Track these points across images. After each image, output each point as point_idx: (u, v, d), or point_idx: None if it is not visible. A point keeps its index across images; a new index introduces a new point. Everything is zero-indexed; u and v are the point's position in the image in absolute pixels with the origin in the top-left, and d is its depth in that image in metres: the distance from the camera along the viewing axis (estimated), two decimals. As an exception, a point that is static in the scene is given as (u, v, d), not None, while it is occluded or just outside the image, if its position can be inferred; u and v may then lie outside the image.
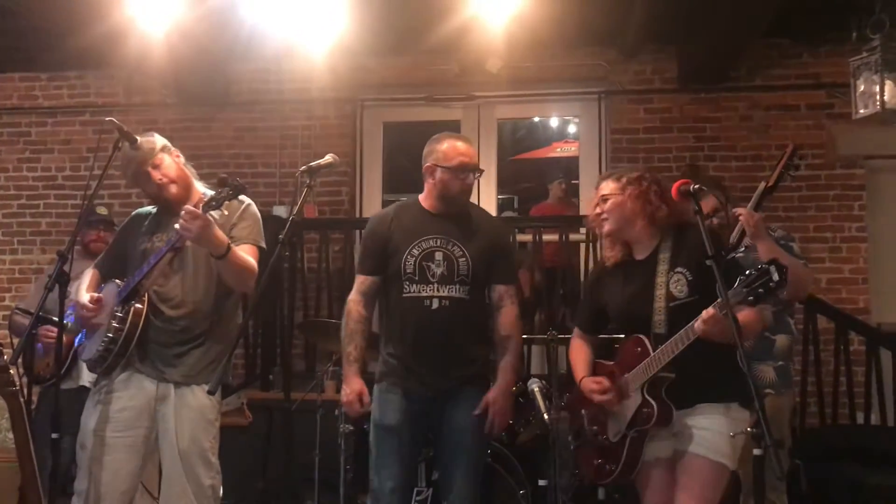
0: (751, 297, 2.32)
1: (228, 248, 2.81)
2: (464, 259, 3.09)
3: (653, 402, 2.62)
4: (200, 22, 5.08)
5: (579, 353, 3.01)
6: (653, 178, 2.82)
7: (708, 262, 2.47)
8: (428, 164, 3.17)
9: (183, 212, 2.74)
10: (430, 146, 3.20)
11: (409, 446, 3.11)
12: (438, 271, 3.07)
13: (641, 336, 2.68)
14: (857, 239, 5.82)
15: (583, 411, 2.94)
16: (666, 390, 2.63)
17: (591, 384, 2.82)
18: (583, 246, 5.69)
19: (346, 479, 4.00)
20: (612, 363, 2.83)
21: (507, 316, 3.16)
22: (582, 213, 6.25)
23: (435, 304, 3.06)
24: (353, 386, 3.11)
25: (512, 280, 3.25)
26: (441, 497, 3.17)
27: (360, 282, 3.21)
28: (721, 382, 2.60)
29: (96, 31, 5.09)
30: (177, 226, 2.75)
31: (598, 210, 2.83)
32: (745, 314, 2.49)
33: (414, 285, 3.07)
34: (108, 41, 5.27)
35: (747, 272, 2.34)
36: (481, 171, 3.18)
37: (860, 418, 4.97)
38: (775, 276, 2.26)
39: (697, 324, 2.45)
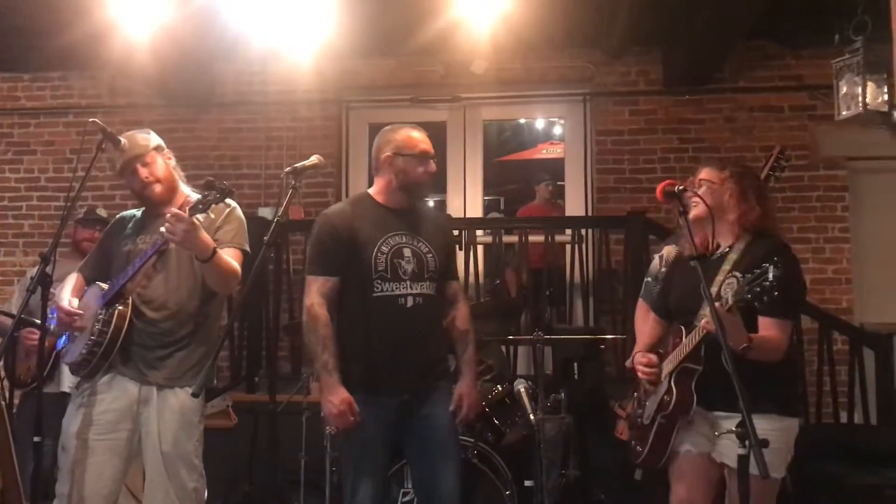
0: (748, 296, 2.35)
1: (214, 252, 2.80)
2: (431, 255, 3.05)
3: (674, 390, 2.67)
4: (185, 23, 5.05)
5: (643, 323, 3.08)
6: (755, 178, 2.83)
7: (692, 264, 2.49)
8: (386, 153, 3.06)
9: (168, 215, 2.72)
10: (385, 137, 3.12)
11: (386, 456, 3.06)
12: (409, 268, 2.99)
13: (682, 326, 2.75)
14: (841, 240, 5.87)
15: (634, 392, 3.02)
16: (708, 389, 2.65)
17: (640, 358, 2.88)
18: (568, 247, 5.71)
19: (332, 480, 3.98)
20: (665, 352, 2.88)
21: (463, 311, 3.17)
22: (568, 214, 6.28)
23: (409, 302, 2.98)
24: (340, 396, 2.87)
25: (456, 275, 3.29)
26: (425, 497, 3.08)
27: (321, 284, 2.98)
28: (757, 392, 2.49)
29: (80, 32, 5.05)
30: (162, 229, 2.73)
31: (690, 193, 2.79)
32: (770, 332, 2.57)
33: (386, 283, 2.96)
34: (92, 41, 5.23)
35: (748, 273, 2.38)
36: (435, 159, 3.12)
37: (843, 417, 5.01)
38: (770, 275, 2.29)
39: (704, 320, 2.52)
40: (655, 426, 2.78)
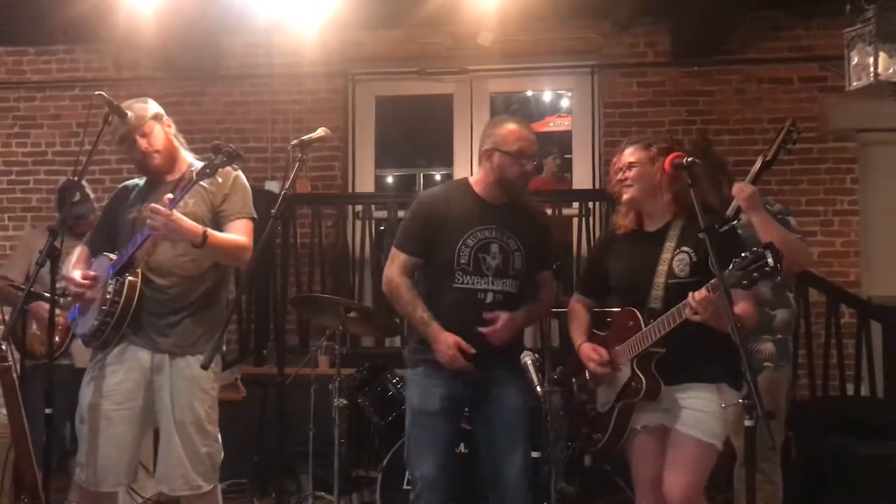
0: (744, 281, 2.31)
1: (204, 237, 2.80)
2: (519, 253, 3.02)
3: (641, 377, 2.63)
4: (190, -5, 5.02)
5: (577, 318, 3.01)
6: (692, 178, 2.72)
7: (700, 235, 2.48)
8: (486, 147, 3.03)
9: (149, 209, 2.74)
10: (489, 129, 3.09)
11: (449, 433, 3.07)
12: (493, 264, 2.98)
13: (634, 309, 2.69)
14: (849, 212, 5.84)
15: (573, 380, 2.96)
16: (657, 365, 2.64)
17: (590, 352, 2.82)
18: (575, 220, 5.70)
19: (341, 452, 4.02)
20: (604, 334, 2.85)
21: (548, 291, 3.19)
22: (575, 187, 6.26)
23: (489, 298, 2.98)
24: (447, 341, 2.91)
25: (552, 265, 3.25)
26: (491, 480, 3.09)
27: (404, 261, 3.05)
28: (713, 362, 2.60)
29: (85, 5, 5.04)
30: (169, 196, 2.74)
31: (621, 176, 2.77)
32: (741, 308, 2.51)
33: (467, 276, 2.98)
34: (97, 14, 5.21)
35: (743, 255, 2.32)
36: (538, 160, 3.07)
37: (850, 390, 5.01)
38: (770, 261, 2.24)
39: (687, 308, 2.45)
40: (616, 413, 2.74)
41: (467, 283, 2.98)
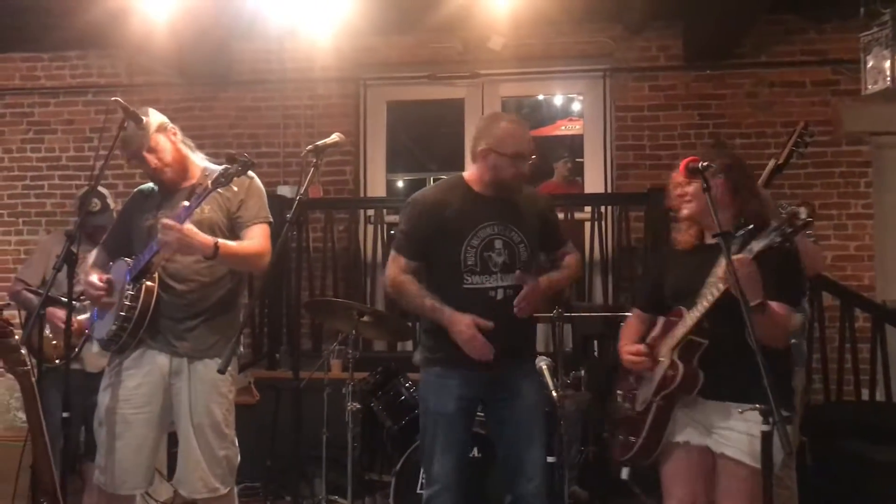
0: (778, 238, 2.29)
1: (217, 248, 2.81)
2: (523, 245, 3.01)
3: (679, 364, 2.55)
4: (203, 1, 5.05)
5: (628, 329, 2.93)
6: (744, 168, 2.70)
7: (716, 240, 2.47)
8: (481, 147, 2.99)
9: (160, 224, 2.76)
10: (485, 126, 3.06)
11: (464, 434, 3.07)
12: (500, 260, 2.97)
13: (681, 307, 2.62)
14: (863, 216, 5.81)
15: (618, 391, 2.89)
16: (712, 377, 2.54)
17: (626, 349, 2.78)
18: (587, 224, 5.69)
19: (354, 455, 4.03)
20: (655, 338, 2.77)
21: (571, 255, 3.23)
22: (587, 191, 6.26)
23: (500, 295, 2.96)
24: (465, 319, 2.89)
25: (565, 241, 3.23)
26: (510, 477, 3.07)
27: (405, 264, 3.04)
28: (759, 383, 2.38)
29: (98, 11, 5.06)
30: (185, 203, 2.76)
31: (679, 192, 2.71)
32: (774, 306, 2.46)
33: (476, 276, 2.96)
34: (111, 21, 5.24)
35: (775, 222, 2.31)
36: (534, 159, 3.02)
37: (865, 395, 4.98)
38: (802, 214, 2.24)
39: (723, 268, 2.39)
40: (653, 410, 2.65)
41: (476, 283, 2.97)
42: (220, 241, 2.85)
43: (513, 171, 2.97)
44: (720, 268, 2.48)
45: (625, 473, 3.08)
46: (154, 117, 3.02)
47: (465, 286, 2.96)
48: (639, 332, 2.88)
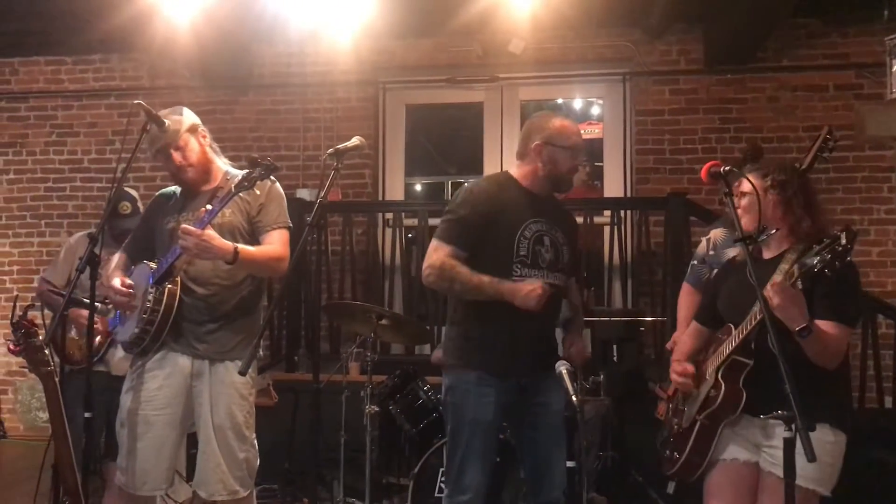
0: (819, 263, 2.24)
1: (237, 253, 2.82)
2: (566, 247, 3.04)
3: (721, 383, 2.52)
4: (225, 5, 5.09)
5: (681, 344, 2.94)
6: (801, 185, 2.64)
7: (736, 242, 2.45)
8: (535, 142, 2.99)
9: (179, 230, 2.78)
10: (538, 123, 3.06)
11: (496, 439, 3.08)
12: (548, 257, 2.98)
13: (731, 325, 2.60)
14: (886, 221, 5.75)
15: (669, 404, 2.90)
16: (753, 392, 2.51)
17: (675, 365, 2.79)
18: (607, 229, 5.67)
19: (372, 458, 4.03)
20: (706, 356, 2.75)
21: (577, 294, 3.34)
22: (606, 195, 6.24)
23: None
24: (527, 285, 2.83)
25: (577, 270, 3.35)
26: (536, 481, 3.08)
27: (450, 252, 2.92)
28: (815, 397, 2.36)
29: (121, 15, 5.12)
30: (208, 206, 2.78)
31: (735, 204, 2.64)
32: (837, 329, 2.43)
33: (525, 269, 2.94)
34: (133, 25, 5.30)
35: (819, 242, 2.28)
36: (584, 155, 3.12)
37: (888, 402, 4.93)
38: (843, 240, 2.20)
39: (768, 289, 2.36)
40: (696, 428, 2.62)
41: (525, 275, 2.92)
42: (240, 246, 2.86)
43: (570, 163, 3.01)
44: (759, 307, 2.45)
45: (670, 488, 3.05)
46: (188, 117, 3.04)
47: (515, 277, 2.91)
48: (692, 347, 2.86)
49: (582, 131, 2.92)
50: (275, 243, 2.99)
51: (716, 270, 3.16)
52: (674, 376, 2.77)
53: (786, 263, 2.54)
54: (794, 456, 2.22)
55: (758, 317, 2.43)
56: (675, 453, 2.73)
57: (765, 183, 2.63)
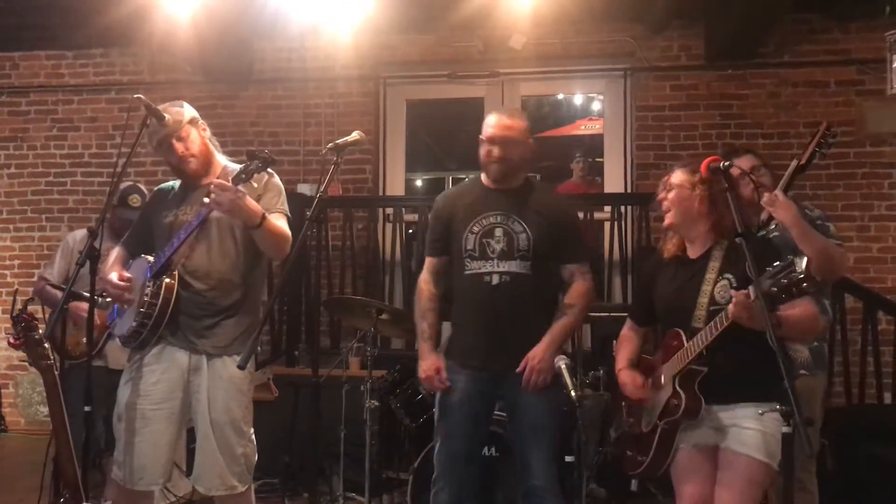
0: (774, 289, 2.26)
1: (263, 218, 2.83)
2: (524, 234, 3.06)
3: (682, 394, 2.59)
4: (225, 0, 5.08)
5: (624, 344, 2.99)
6: (727, 181, 2.63)
7: (737, 240, 2.45)
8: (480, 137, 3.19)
9: (212, 185, 2.76)
10: None
11: (472, 423, 3.13)
12: (498, 247, 3.05)
13: (678, 329, 2.66)
14: (886, 217, 5.76)
15: (622, 403, 2.94)
16: (707, 385, 2.59)
17: (625, 377, 2.84)
18: (607, 224, 5.67)
19: (372, 453, 4.03)
20: (652, 357, 2.83)
21: (576, 288, 3.11)
22: (607, 191, 6.24)
23: (495, 280, 3.04)
24: (429, 361, 3.11)
25: (581, 259, 3.16)
26: (520, 472, 3.13)
27: (429, 263, 3.25)
28: (765, 382, 2.47)
29: (122, 10, 5.12)
30: (206, 199, 2.76)
31: (661, 197, 2.76)
32: (802, 307, 2.45)
33: (475, 262, 3.07)
34: (134, 19, 5.30)
35: (774, 264, 2.28)
36: (504, 143, 3.07)
37: (888, 398, 4.94)
38: (799, 269, 2.20)
39: (730, 309, 2.42)
40: (659, 432, 2.70)
41: (475, 268, 3.08)
42: (266, 214, 2.86)
43: (484, 153, 3.12)
44: (716, 288, 2.57)
45: (633, 485, 3.11)
46: (189, 110, 3.06)
47: (466, 272, 3.10)
48: (635, 346, 2.96)
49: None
50: (281, 224, 2.99)
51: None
52: (627, 389, 2.81)
53: (712, 268, 2.64)
54: (794, 451, 2.24)
55: (717, 328, 2.48)
56: (640, 456, 2.79)
57: (693, 178, 2.70)
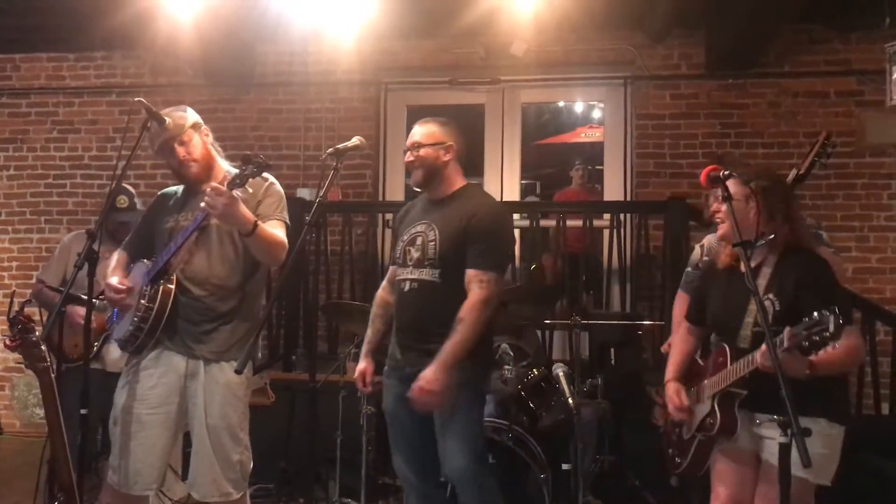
0: (805, 343, 2.26)
1: (255, 225, 2.82)
2: (433, 242, 3.06)
3: (718, 413, 2.64)
4: (228, 3, 5.09)
5: (678, 346, 3.01)
6: (783, 193, 2.68)
7: (734, 248, 2.46)
8: None
9: (208, 189, 2.76)
10: None
11: (412, 427, 3.12)
12: (416, 256, 3.10)
13: (726, 346, 2.68)
14: (885, 228, 5.76)
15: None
16: (756, 390, 2.57)
17: (672, 393, 2.85)
18: (606, 232, 5.67)
19: (368, 459, 4.03)
20: (703, 364, 2.84)
21: (469, 299, 2.95)
22: (606, 199, 6.24)
23: (407, 287, 3.12)
24: (360, 365, 3.29)
25: (482, 265, 2.98)
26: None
27: (389, 271, 3.37)
28: (812, 395, 2.46)
29: (124, 13, 5.13)
30: (202, 203, 2.76)
31: (715, 208, 2.77)
32: (846, 343, 2.39)
33: (401, 269, 3.18)
34: (136, 22, 5.30)
35: (807, 318, 2.25)
36: (417, 147, 3.15)
37: (886, 409, 4.93)
38: (830, 328, 2.19)
39: (758, 357, 2.43)
40: (696, 442, 2.76)
41: (400, 275, 3.19)
42: (259, 222, 2.86)
43: (408, 160, 3.20)
44: (746, 329, 2.60)
45: (674, 481, 3.14)
46: (192, 115, 3.07)
47: (398, 278, 3.21)
48: (689, 349, 2.97)
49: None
50: (277, 231, 2.98)
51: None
52: (670, 406, 2.84)
53: (762, 279, 2.64)
54: (790, 460, 2.24)
55: (748, 367, 2.50)
56: (678, 458, 2.87)
57: (745, 190, 2.65)
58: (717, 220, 2.81)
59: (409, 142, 3.21)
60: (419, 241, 3.11)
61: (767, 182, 2.69)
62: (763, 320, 2.34)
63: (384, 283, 3.39)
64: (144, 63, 6.54)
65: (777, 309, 2.56)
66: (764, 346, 2.37)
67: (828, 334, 2.20)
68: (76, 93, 6.63)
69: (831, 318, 2.19)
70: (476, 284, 2.97)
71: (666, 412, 2.96)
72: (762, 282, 2.64)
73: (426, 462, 3.15)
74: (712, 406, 2.66)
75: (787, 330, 2.32)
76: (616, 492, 4.30)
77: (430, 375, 2.88)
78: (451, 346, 2.91)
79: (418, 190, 3.27)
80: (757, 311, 2.54)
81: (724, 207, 2.65)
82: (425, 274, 3.06)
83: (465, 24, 5.40)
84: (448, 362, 2.90)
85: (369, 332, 3.33)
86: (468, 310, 2.94)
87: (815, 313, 2.24)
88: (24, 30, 6.32)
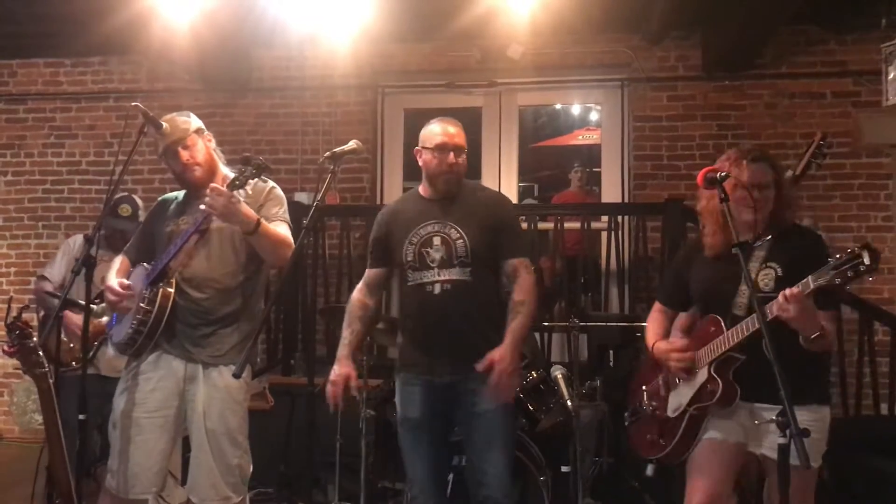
0: (838, 280, 2.25)
1: (258, 223, 2.83)
2: (461, 241, 3.03)
3: (718, 380, 2.59)
4: (224, 8, 5.09)
5: (654, 324, 2.97)
6: (782, 171, 2.70)
7: (733, 251, 2.46)
8: (416, 148, 3.19)
9: (209, 189, 2.76)
10: (421, 132, 3.22)
11: (434, 437, 3.09)
12: (437, 256, 3.03)
13: (717, 316, 2.66)
14: (883, 228, 5.76)
15: (643, 387, 2.94)
16: (741, 380, 2.59)
17: (664, 345, 2.80)
18: (604, 234, 5.68)
19: (368, 463, 4.02)
20: (685, 341, 2.80)
21: (523, 283, 3.03)
22: (604, 201, 6.24)
23: (437, 290, 3.02)
24: (342, 369, 3.10)
25: (522, 252, 3.11)
26: (474, 483, 3.07)
27: (366, 274, 3.30)
28: (802, 382, 2.47)
29: (121, 18, 5.12)
30: (202, 206, 2.77)
31: (757, 196, 2.63)
32: (831, 326, 2.47)
33: (416, 273, 3.06)
34: (133, 28, 5.30)
35: (838, 255, 2.26)
36: (462, 151, 3.09)
37: (884, 409, 4.92)
38: (866, 260, 2.18)
39: (777, 302, 2.39)
40: (687, 418, 2.70)
41: (416, 279, 3.06)
42: (262, 220, 2.86)
43: (436, 161, 3.07)
44: (759, 276, 2.58)
45: (650, 470, 3.12)
46: (195, 121, 3.09)
47: (408, 283, 3.09)
48: (664, 327, 2.94)
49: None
50: (282, 231, 2.99)
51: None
52: (671, 356, 2.75)
53: (760, 251, 2.65)
54: (789, 461, 2.24)
55: (756, 324, 2.45)
56: (661, 440, 2.79)
57: (775, 175, 2.69)
58: (751, 207, 2.67)
59: (451, 141, 3.08)
60: (437, 240, 3.04)
61: (778, 170, 2.73)
62: (746, 272, 2.34)
63: (360, 286, 3.28)
64: (141, 68, 6.54)
65: (780, 275, 2.57)
66: (790, 290, 2.35)
67: (863, 268, 2.18)
68: (73, 98, 6.63)
69: (865, 252, 2.18)
70: (524, 270, 3.06)
71: (640, 396, 2.94)
72: (761, 253, 2.65)
73: (445, 473, 3.20)
74: (710, 373, 2.62)
75: (808, 277, 2.32)
76: (615, 494, 4.30)
77: (507, 356, 2.89)
78: (518, 326, 2.98)
79: (424, 195, 3.17)
80: (760, 267, 2.58)
81: (762, 195, 2.63)
82: (455, 273, 3.01)
83: (461, 27, 5.41)
84: (519, 343, 2.98)
85: (347, 335, 3.18)
86: (528, 292, 3.03)
87: (845, 252, 2.23)
88: (21, 36, 6.32)
